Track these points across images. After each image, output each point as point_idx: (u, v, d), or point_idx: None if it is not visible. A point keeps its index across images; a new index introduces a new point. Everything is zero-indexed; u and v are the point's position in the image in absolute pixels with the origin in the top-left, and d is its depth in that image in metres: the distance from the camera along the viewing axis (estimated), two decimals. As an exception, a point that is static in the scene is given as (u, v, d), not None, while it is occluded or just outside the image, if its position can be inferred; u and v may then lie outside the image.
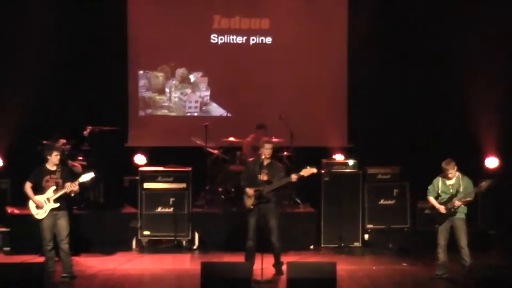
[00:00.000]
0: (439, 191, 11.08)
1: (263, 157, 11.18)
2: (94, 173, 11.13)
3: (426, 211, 12.53)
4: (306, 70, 14.92)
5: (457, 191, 10.96)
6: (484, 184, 11.07)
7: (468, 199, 10.97)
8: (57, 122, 14.03)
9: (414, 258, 12.30)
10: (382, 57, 14.71)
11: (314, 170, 11.03)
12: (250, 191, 11.11)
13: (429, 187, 11.20)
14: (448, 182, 11.04)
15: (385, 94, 14.72)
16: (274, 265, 11.28)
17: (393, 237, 12.89)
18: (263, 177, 11.12)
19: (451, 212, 10.95)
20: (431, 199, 11.13)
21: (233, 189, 13.34)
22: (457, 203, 10.90)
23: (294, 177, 11.03)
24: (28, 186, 10.84)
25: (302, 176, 11.04)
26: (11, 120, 13.83)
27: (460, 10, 14.26)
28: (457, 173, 11.04)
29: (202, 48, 14.89)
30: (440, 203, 11.03)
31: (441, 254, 11.05)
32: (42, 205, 10.72)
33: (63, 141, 12.53)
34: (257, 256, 10.97)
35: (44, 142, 12.27)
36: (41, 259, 11.25)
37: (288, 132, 13.38)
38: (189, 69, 14.99)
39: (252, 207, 11.08)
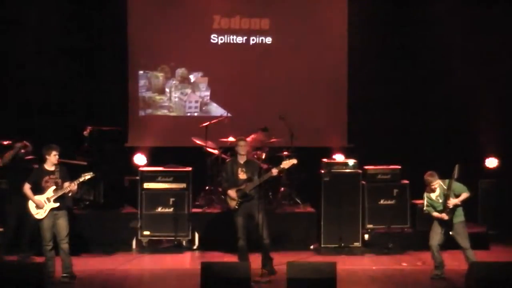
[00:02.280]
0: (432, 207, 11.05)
1: (240, 155, 11.19)
2: (94, 173, 11.12)
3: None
4: (306, 70, 14.91)
5: (445, 195, 10.91)
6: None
7: (464, 196, 10.91)
8: (57, 122, 14.04)
9: (414, 258, 12.30)
10: (382, 56, 14.71)
11: (295, 161, 11.09)
12: (232, 192, 11.12)
13: (424, 208, 11.15)
14: (434, 196, 11.00)
15: (385, 94, 14.71)
16: (263, 264, 11.07)
17: (393, 237, 12.88)
18: (242, 176, 11.15)
19: (451, 213, 10.90)
20: (435, 214, 11.01)
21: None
22: (450, 202, 10.83)
23: (274, 171, 11.02)
24: (27, 187, 10.84)
25: (283, 168, 11.10)
26: (11, 120, 13.83)
27: (461, 10, 14.25)
28: (438, 181, 10.99)
29: (202, 48, 14.88)
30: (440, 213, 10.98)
31: (436, 255, 11.04)
32: (42, 205, 10.72)
33: (25, 143, 12.25)
34: (254, 256, 10.94)
35: (5, 143, 12.22)
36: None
37: (288, 132, 13.37)
38: (189, 69, 14.99)
39: (237, 207, 11.09)
